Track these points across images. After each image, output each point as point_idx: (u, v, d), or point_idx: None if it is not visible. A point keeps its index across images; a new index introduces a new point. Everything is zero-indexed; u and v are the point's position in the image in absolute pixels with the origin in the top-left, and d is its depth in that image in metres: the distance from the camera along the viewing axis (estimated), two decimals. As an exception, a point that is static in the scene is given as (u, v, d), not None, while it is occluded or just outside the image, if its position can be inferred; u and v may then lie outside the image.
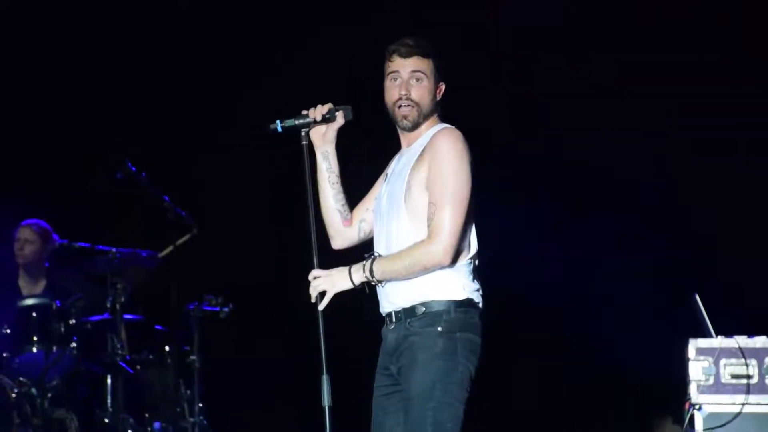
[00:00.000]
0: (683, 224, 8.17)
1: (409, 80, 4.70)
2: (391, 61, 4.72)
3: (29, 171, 8.87)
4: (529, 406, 8.45)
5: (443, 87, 4.74)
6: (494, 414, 7.96)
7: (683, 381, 5.89)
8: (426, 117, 4.71)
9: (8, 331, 7.98)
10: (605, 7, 8.16)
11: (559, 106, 8.26)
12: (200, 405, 8.08)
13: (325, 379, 4.56)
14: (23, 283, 8.50)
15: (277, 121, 4.79)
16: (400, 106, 4.70)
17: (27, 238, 8.42)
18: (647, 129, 8.22)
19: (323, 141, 4.84)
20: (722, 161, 8.05)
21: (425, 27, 5.08)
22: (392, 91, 4.71)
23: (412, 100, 4.69)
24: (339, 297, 4.64)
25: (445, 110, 4.76)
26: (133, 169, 8.05)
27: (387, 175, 4.80)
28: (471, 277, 4.64)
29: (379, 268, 4.57)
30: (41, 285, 8.49)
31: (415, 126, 4.71)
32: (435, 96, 4.72)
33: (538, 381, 8.45)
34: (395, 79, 4.70)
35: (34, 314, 8.00)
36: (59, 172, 8.92)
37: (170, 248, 8.18)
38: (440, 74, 4.73)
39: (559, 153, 8.29)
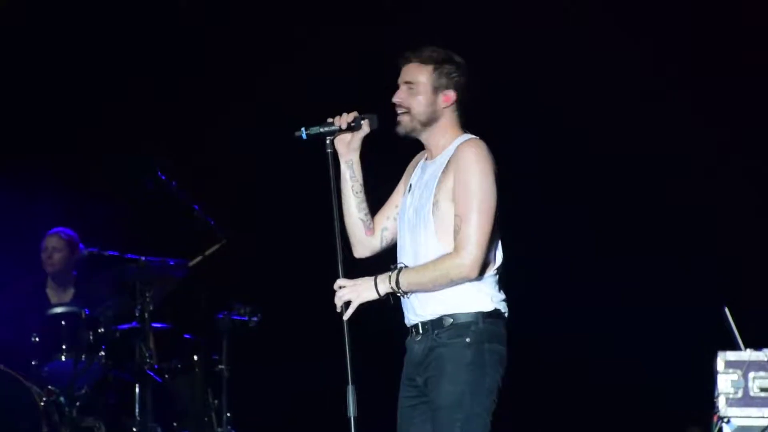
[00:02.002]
0: (712, 235, 8.13)
1: (403, 88, 4.73)
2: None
3: (57, 178, 8.89)
4: (556, 419, 8.42)
5: (452, 95, 4.71)
6: (520, 426, 7.94)
7: (711, 394, 5.86)
8: (424, 125, 4.71)
9: (37, 339, 8.01)
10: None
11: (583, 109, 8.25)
12: (228, 414, 8.08)
13: (350, 389, 4.55)
14: (51, 293, 8.54)
15: (302, 128, 4.79)
16: (396, 113, 4.74)
17: (55, 246, 8.45)
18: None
19: (348, 149, 4.83)
20: (754, 165, 8.04)
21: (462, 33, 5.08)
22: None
23: (403, 108, 4.72)
24: (365, 307, 4.64)
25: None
26: (163, 177, 8.07)
27: (411, 186, 4.80)
28: (497, 287, 4.64)
29: (405, 280, 4.57)
30: (69, 293, 8.52)
31: (410, 132, 4.72)
32: (434, 104, 4.70)
33: (564, 393, 8.43)
34: (398, 87, 4.75)
35: (63, 322, 8.02)
36: (88, 180, 8.94)
37: (200, 258, 8.20)
38: (450, 82, 4.70)
39: (584, 147, 8.28)
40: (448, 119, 4.72)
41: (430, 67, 4.71)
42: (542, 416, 8.47)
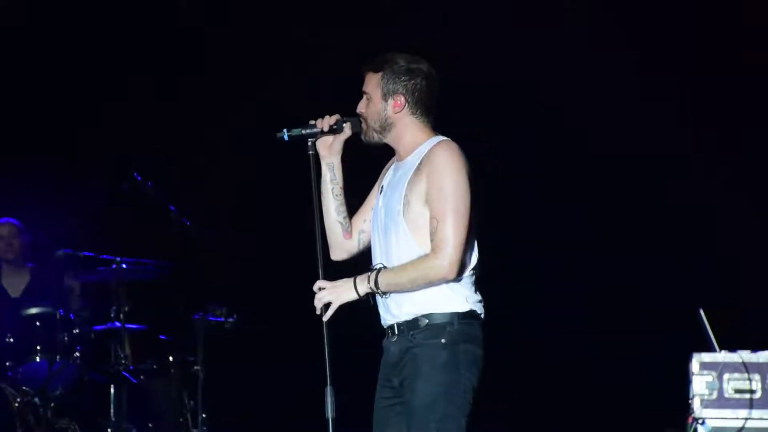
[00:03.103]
0: (712, 235, 8.15)
1: (363, 99, 4.78)
2: None
3: (32, 179, 8.86)
4: (556, 418, 8.42)
5: (401, 100, 4.70)
6: (520, 425, 7.98)
7: (686, 396, 5.88)
8: (380, 132, 4.73)
9: (11, 340, 7.99)
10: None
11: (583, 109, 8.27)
12: (204, 415, 8.06)
13: (329, 390, 4.57)
14: (7, 282, 8.53)
15: (284, 130, 4.81)
16: None
17: (11, 232, 8.49)
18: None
19: (329, 152, 4.86)
20: (755, 165, 8.07)
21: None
22: None
23: (363, 117, 4.77)
24: (344, 308, 4.65)
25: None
26: (139, 178, 8.05)
27: (382, 187, 4.81)
28: (473, 288, 4.66)
29: (384, 280, 4.59)
30: (25, 280, 8.53)
31: (372, 140, 4.75)
32: (385, 111, 4.72)
33: (564, 393, 8.43)
34: None
35: (37, 323, 8.01)
36: (64, 180, 8.92)
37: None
38: (398, 87, 4.70)
39: (584, 147, 8.31)
40: (406, 124, 4.72)
41: (379, 75, 4.73)
42: (542, 416, 8.47)
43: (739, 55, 8.05)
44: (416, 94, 4.70)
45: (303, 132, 4.82)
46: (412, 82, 4.70)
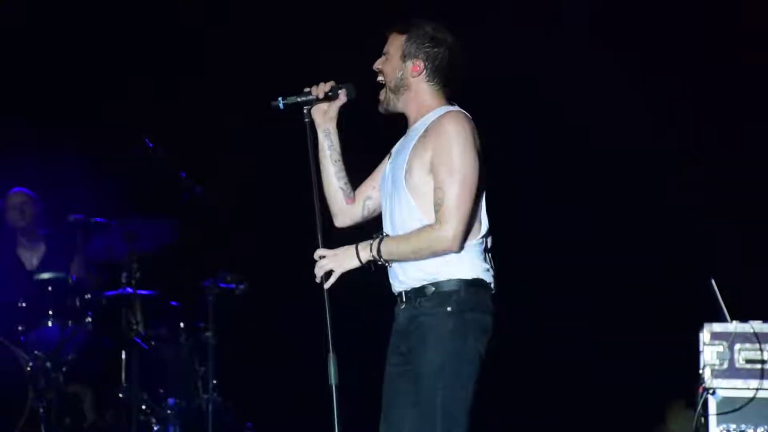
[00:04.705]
0: (712, 234, 8.11)
1: (381, 58, 4.77)
2: None
3: (43, 153, 8.89)
4: (556, 418, 8.42)
5: (420, 65, 4.69)
6: (520, 425, 7.98)
7: (697, 365, 5.85)
8: (394, 92, 4.72)
9: (24, 305, 8.00)
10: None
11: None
12: (214, 381, 8.07)
13: (331, 357, 4.56)
14: (23, 251, 8.55)
15: (279, 98, 4.82)
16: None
17: (24, 201, 8.53)
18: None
19: (324, 119, 4.85)
20: (755, 165, 8.02)
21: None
22: None
23: (380, 77, 4.77)
24: (350, 274, 4.62)
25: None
26: (150, 145, 8.03)
27: (391, 154, 4.79)
28: (481, 257, 4.62)
29: (386, 249, 4.57)
30: (41, 250, 8.54)
31: (388, 105, 4.74)
32: (402, 72, 4.71)
33: (565, 392, 8.44)
34: None
35: (50, 288, 8.02)
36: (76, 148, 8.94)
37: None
38: (419, 52, 4.69)
39: (585, 142, 8.27)
40: (421, 89, 4.71)
41: (403, 37, 4.72)
42: (543, 416, 8.46)
43: (739, 53, 8.02)
44: (436, 62, 4.69)
45: (298, 99, 4.81)
46: (435, 50, 4.68)
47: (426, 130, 4.61)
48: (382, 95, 4.76)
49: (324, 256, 4.62)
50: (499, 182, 4.64)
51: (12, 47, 8.91)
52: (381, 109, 4.77)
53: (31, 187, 8.57)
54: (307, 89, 4.81)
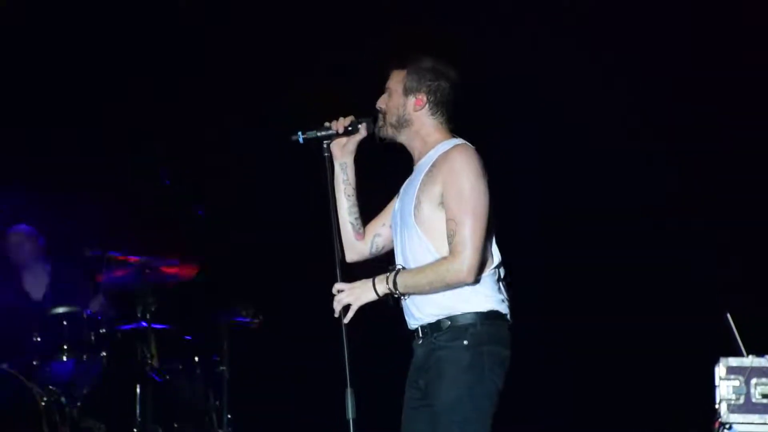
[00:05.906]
0: (712, 233, 8.11)
1: (384, 94, 4.79)
2: None
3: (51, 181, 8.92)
4: (556, 418, 8.40)
5: (422, 98, 4.71)
6: (521, 425, 7.91)
7: (712, 400, 5.84)
8: (396, 128, 4.73)
9: (39, 339, 8.01)
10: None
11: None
12: (229, 416, 8.07)
13: (349, 392, 4.57)
14: (28, 286, 8.57)
15: (299, 132, 4.82)
16: None
17: (24, 238, 8.55)
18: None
19: (343, 153, 4.87)
20: (755, 164, 8.02)
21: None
22: None
23: (382, 112, 4.78)
24: (366, 309, 4.64)
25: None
26: (167, 182, 8.05)
27: (401, 191, 4.81)
28: (495, 287, 4.64)
29: (402, 282, 4.58)
30: (44, 284, 8.56)
31: (387, 136, 4.76)
32: (405, 107, 4.73)
33: (565, 392, 8.41)
34: None
35: (64, 322, 8.02)
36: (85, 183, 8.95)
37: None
38: (421, 86, 4.71)
39: (585, 142, 8.27)
40: (424, 123, 4.73)
41: (404, 72, 4.75)
42: (543, 416, 8.44)
43: (739, 53, 8.02)
44: (438, 95, 4.71)
45: (318, 134, 4.84)
46: (436, 83, 4.71)
47: (433, 165, 4.63)
48: (381, 123, 4.77)
49: (342, 290, 4.63)
50: (499, 182, 4.64)
51: (12, 47, 8.93)
52: (378, 134, 4.78)
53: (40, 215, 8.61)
54: (327, 124, 4.83)
